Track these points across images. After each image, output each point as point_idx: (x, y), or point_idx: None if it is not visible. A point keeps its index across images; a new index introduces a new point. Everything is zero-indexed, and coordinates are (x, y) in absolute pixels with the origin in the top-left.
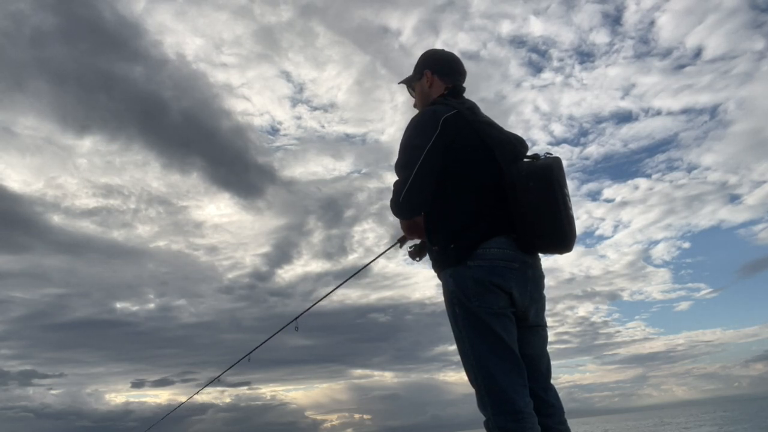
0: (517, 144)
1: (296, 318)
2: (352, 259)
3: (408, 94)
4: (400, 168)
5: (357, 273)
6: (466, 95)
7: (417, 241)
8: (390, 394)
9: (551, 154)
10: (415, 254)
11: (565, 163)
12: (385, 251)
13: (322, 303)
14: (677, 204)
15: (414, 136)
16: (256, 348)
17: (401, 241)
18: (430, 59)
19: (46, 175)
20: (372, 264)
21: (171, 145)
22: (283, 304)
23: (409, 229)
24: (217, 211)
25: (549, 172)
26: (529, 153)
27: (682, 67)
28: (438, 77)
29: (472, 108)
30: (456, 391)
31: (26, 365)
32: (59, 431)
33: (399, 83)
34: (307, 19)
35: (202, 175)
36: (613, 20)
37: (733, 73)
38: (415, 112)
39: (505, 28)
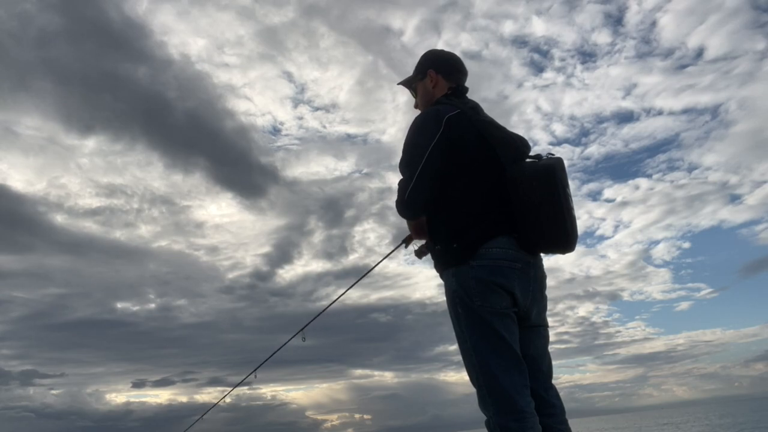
0: (520, 144)
1: (303, 327)
2: (353, 259)
3: (409, 94)
4: (403, 167)
5: (366, 274)
6: (468, 95)
7: (423, 241)
8: (390, 394)
9: (553, 154)
10: (421, 253)
11: (566, 163)
12: (392, 252)
13: (322, 304)
14: (678, 204)
15: (417, 135)
16: (268, 358)
17: (406, 241)
18: (434, 59)
19: (49, 175)
20: (372, 263)
21: (174, 145)
22: (283, 304)
23: (416, 230)
24: (218, 211)
25: (552, 172)
26: (531, 153)
27: (683, 67)
28: (442, 77)
29: (475, 108)
30: (456, 391)
31: (27, 365)
32: (60, 431)
33: (398, 84)
34: (309, 19)
35: (204, 175)
36: (615, 20)
37: (735, 73)
38: (416, 112)
39: (507, 28)
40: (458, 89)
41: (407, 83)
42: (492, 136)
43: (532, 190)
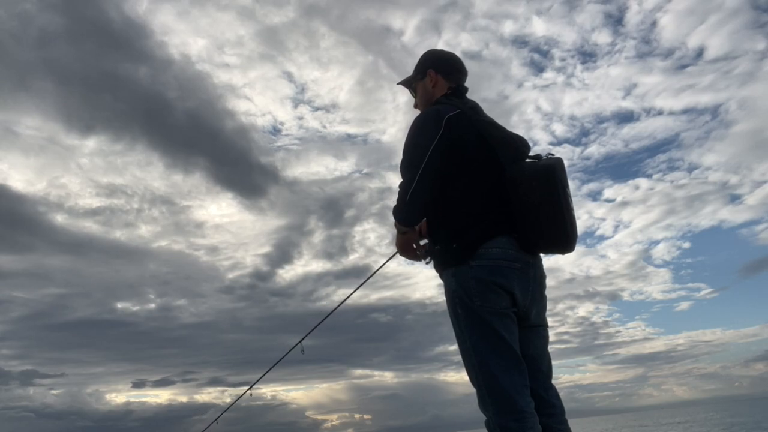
0: (520, 144)
1: (303, 338)
2: (353, 259)
3: (409, 94)
4: (404, 168)
5: (369, 278)
6: (468, 95)
7: (426, 241)
8: (390, 394)
9: (553, 154)
10: (426, 255)
11: (566, 163)
12: (394, 255)
13: (322, 304)
14: (678, 204)
15: (418, 135)
16: (269, 370)
17: None
18: (434, 59)
19: (49, 175)
20: (372, 263)
21: (174, 145)
22: (283, 305)
23: (404, 248)
24: (218, 211)
25: (552, 172)
26: (531, 153)
27: (683, 67)
28: (442, 77)
29: (475, 108)
30: (456, 391)
31: (27, 365)
32: (60, 431)
33: (398, 84)
34: (310, 19)
35: (205, 175)
36: (615, 20)
37: (735, 73)
38: (416, 112)
39: (508, 28)
40: (458, 89)
41: (407, 83)
42: (492, 136)
43: (532, 190)
